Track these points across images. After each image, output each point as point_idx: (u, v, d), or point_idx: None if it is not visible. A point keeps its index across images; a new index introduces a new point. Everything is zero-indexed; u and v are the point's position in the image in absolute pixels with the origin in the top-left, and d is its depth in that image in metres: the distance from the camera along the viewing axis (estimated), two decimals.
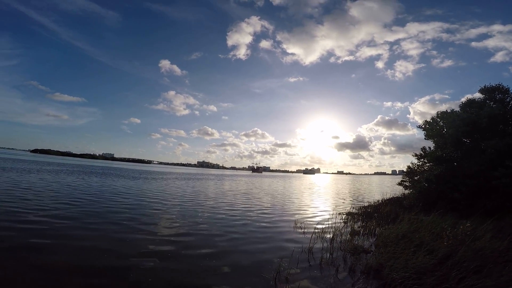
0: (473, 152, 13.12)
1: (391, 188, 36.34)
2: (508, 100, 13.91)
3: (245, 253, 7.04)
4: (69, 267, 5.44)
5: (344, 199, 23.31)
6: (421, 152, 15.36)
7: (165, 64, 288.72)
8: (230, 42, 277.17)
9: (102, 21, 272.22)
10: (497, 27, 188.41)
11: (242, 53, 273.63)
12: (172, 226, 9.59)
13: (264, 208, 15.54)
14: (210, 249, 7.20)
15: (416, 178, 15.37)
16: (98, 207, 12.17)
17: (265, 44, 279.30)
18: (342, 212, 14.17)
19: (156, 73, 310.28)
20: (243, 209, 14.66)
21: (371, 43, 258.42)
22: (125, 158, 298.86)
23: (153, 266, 5.77)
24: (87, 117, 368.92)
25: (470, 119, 13.04)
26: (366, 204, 17.57)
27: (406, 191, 16.83)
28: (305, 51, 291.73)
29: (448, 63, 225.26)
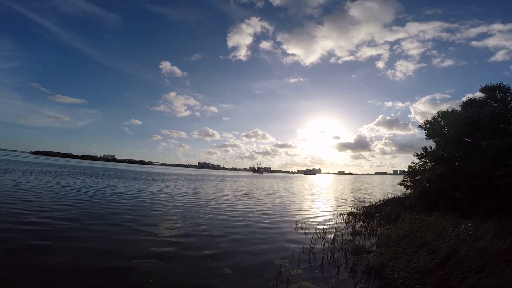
0: (475, 151, 13.09)
1: (392, 188, 36.27)
2: (509, 99, 13.88)
3: (246, 254, 7.04)
4: (70, 268, 5.45)
5: (345, 199, 23.26)
6: (422, 152, 15.33)
7: (165, 65, 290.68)
8: (230, 43, 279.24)
9: (102, 23, 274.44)
10: (497, 26, 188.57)
11: (242, 54, 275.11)
12: (173, 227, 9.59)
13: (265, 208, 15.52)
14: (211, 250, 7.20)
15: (417, 178, 15.32)
16: (99, 208, 12.19)
17: (265, 45, 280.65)
18: (343, 213, 14.13)
19: (156, 75, 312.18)
20: (244, 209, 14.64)
21: (371, 43, 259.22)
22: (126, 160, 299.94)
23: (154, 267, 5.77)
24: (88, 118, 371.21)
25: (471, 119, 13.01)
26: (367, 204, 17.53)
27: (408, 191, 16.78)
28: (305, 52, 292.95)
29: (448, 62, 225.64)
